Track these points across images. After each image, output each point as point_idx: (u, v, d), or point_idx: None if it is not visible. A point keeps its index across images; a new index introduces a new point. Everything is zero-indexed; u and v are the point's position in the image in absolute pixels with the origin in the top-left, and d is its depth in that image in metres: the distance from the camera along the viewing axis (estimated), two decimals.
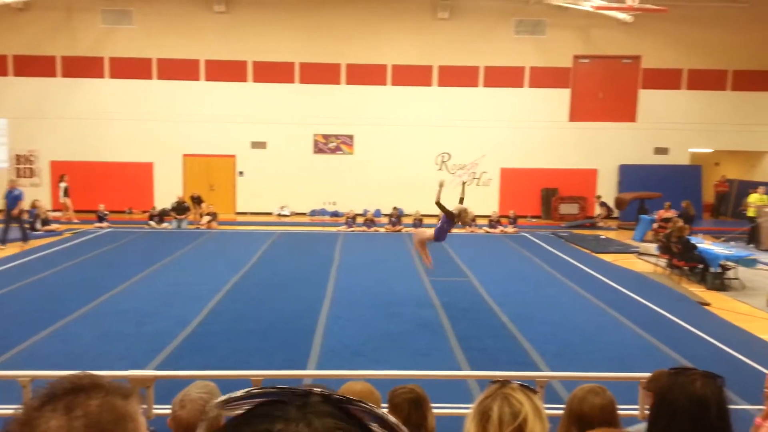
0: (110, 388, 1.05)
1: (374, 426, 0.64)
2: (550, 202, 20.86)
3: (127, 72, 20.31)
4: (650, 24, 20.08)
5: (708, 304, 10.37)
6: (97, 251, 14.01)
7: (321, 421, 0.61)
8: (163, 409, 3.82)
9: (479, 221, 18.63)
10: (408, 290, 10.73)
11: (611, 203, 20.23)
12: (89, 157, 20.30)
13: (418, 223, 18.22)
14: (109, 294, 10.09)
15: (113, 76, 20.39)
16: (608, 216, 20.14)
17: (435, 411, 3.33)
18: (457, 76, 20.74)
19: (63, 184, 18.68)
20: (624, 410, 3.97)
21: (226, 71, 20.47)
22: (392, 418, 0.67)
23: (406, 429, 0.67)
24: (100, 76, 20.37)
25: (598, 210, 20.48)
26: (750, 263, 12.08)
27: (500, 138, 20.90)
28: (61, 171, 19.44)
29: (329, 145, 21.04)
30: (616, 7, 17.91)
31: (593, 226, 19.62)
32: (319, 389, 0.66)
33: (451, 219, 9.60)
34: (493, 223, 18.49)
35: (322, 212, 20.83)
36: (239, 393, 0.68)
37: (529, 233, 17.97)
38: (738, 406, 5.77)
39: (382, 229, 18.30)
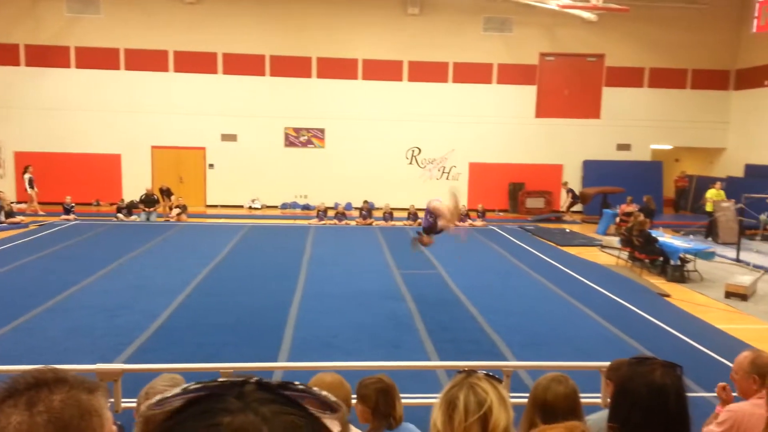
0: (74, 383, 1.03)
1: (312, 408, 0.65)
2: (517, 196, 21.19)
3: (94, 62, 19.90)
4: (614, 23, 20.51)
5: (668, 296, 10.69)
6: (64, 244, 13.77)
7: (266, 408, 0.60)
8: (132, 403, 3.83)
9: None
10: (379, 283, 10.82)
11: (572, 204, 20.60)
12: (55, 148, 19.87)
13: (389, 216, 18.36)
14: (76, 287, 9.96)
15: (80, 65, 19.96)
16: (574, 203, 20.47)
17: (405, 401, 3.43)
18: (427, 72, 20.87)
19: (27, 176, 18.23)
20: (587, 398, 4.14)
21: (196, 63, 20.22)
22: (331, 397, 0.67)
23: (344, 406, 0.68)
24: (66, 65, 19.92)
25: (564, 197, 20.87)
26: (708, 256, 12.49)
27: (469, 133, 21.12)
28: (25, 162, 18.95)
29: (300, 138, 20.97)
30: (581, 6, 18.26)
31: (559, 220, 20.02)
32: (253, 378, 0.64)
33: (427, 228, 9.53)
34: (462, 216, 18.69)
35: (294, 205, 20.79)
36: (173, 391, 0.65)
37: (497, 227, 18.24)
38: (696, 393, 6.01)
39: (352, 223, 18.36)
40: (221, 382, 0.64)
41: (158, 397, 0.66)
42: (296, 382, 0.65)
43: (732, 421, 3.08)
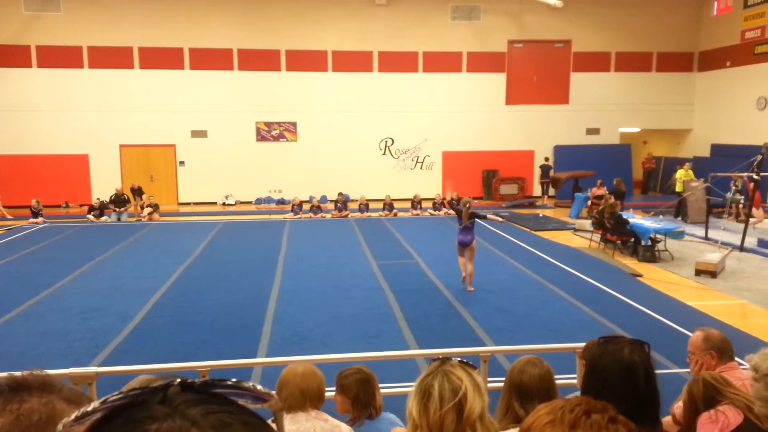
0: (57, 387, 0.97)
1: (242, 401, 0.63)
2: (491, 183, 21.35)
3: (56, 61, 19.45)
4: (579, 9, 20.71)
5: (640, 276, 10.89)
6: (34, 248, 13.49)
7: (194, 410, 0.57)
8: None
9: (424, 204, 18.92)
10: (356, 274, 10.82)
11: (548, 184, 20.83)
12: (18, 151, 19.43)
13: (364, 208, 18.36)
14: (48, 291, 9.79)
15: (41, 65, 19.50)
16: (547, 180, 20.62)
17: (385, 390, 3.46)
18: (397, 62, 20.84)
19: None
20: (564, 379, 4.20)
21: (162, 59, 19.89)
22: (261, 387, 0.65)
23: (275, 395, 0.65)
24: (28, 65, 19.44)
25: (538, 175, 21.07)
26: (678, 235, 12.73)
27: (441, 122, 21.18)
28: None
29: (272, 132, 20.81)
30: None
31: (532, 205, 20.24)
32: (178, 379, 0.61)
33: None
34: (437, 205, 18.79)
35: (268, 200, 20.65)
36: (93, 404, 0.60)
37: None
38: (669, 370, 6.16)
39: (328, 215, 18.31)
40: (143, 388, 0.60)
41: (77, 412, 0.60)
42: (224, 379, 0.63)
43: None
